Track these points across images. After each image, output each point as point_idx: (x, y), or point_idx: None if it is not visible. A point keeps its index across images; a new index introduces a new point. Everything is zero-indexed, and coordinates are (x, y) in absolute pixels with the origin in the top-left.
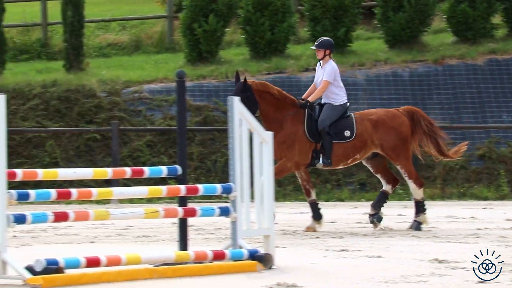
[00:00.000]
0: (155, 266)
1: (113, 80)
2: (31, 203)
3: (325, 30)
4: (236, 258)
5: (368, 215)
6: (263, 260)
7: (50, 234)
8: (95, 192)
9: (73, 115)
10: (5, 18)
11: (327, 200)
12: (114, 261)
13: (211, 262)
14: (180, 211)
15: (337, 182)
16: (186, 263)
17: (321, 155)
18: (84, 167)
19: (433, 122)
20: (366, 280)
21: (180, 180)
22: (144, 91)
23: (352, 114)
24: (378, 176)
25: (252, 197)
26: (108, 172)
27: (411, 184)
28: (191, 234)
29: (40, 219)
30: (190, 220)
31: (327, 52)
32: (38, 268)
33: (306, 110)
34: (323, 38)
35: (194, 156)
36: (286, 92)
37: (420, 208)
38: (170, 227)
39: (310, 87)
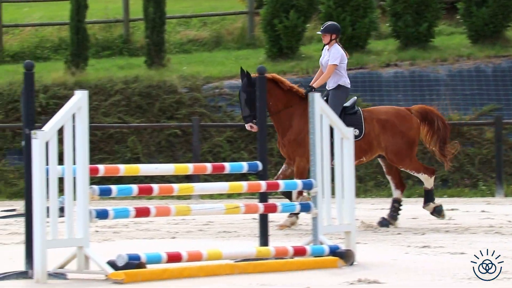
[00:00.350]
0: (236, 261)
1: (194, 76)
2: (112, 198)
3: (406, 25)
4: (317, 254)
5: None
6: (344, 256)
7: (132, 229)
8: (176, 187)
9: (154, 110)
10: (88, 15)
11: (408, 196)
12: (195, 257)
13: (291, 258)
14: (261, 206)
15: (418, 178)
16: (267, 258)
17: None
18: (165, 163)
19: (446, 123)
20: (448, 277)
21: (260, 176)
22: (224, 87)
23: (360, 110)
24: (389, 178)
25: (332, 193)
26: (189, 168)
27: (422, 176)
28: (271, 230)
29: (122, 214)
30: (271, 216)
31: (333, 36)
32: (120, 263)
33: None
34: (329, 22)
35: (274, 152)
36: (367, 86)
37: (429, 197)
38: (251, 222)
39: (317, 74)
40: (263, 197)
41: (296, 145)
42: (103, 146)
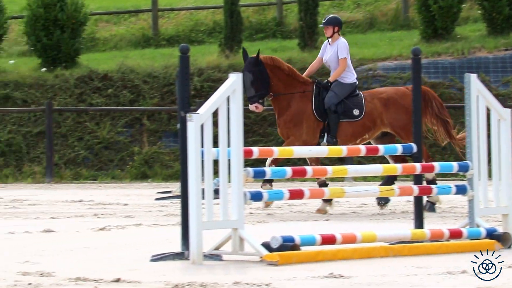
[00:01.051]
0: (390, 244)
1: None
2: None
3: None
4: (473, 237)
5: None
6: (502, 239)
7: (286, 211)
8: (330, 170)
9: None
10: None
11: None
12: (349, 239)
13: (447, 240)
14: (416, 189)
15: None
16: (422, 241)
17: (325, 134)
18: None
19: (442, 104)
20: None
21: (415, 158)
22: (378, 68)
23: (361, 92)
24: (387, 157)
25: (489, 175)
26: (343, 150)
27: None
28: (426, 212)
29: (276, 196)
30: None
31: (336, 29)
32: (274, 245)
33: (314, 88)
34: (331, 15)
35: (428, 134)
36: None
37: (432, 183)
38: (405, 205)
39: (311, 65)
40: (418, 179)
41: (292, 126)
42: (256, 129)
